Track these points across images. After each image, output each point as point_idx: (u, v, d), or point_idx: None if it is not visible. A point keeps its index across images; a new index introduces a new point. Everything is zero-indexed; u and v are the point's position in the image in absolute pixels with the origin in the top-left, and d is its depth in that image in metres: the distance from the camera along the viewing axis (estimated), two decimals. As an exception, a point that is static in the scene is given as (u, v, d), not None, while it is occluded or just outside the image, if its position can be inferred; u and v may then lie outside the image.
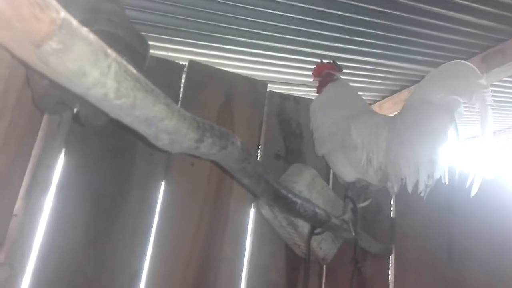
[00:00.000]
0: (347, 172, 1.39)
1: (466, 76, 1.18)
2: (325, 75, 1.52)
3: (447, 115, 1.19)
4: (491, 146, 1.12)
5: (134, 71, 0.48)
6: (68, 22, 0.38)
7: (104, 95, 0.45)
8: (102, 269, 1.18)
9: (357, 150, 1.31)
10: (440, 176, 1.20)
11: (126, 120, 0.52)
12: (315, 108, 1.50)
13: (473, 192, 1.14)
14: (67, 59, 0.38)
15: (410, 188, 1.20)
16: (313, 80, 1.57)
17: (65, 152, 1.20)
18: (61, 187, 1.17)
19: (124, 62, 0.46)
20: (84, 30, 0.40)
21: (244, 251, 1.37)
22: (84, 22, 0.43)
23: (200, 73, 1.44)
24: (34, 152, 1.14)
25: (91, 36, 0.41)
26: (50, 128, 1.18)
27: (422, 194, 1.19)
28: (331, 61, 1.55)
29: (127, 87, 0.46)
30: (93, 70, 0.41)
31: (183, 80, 1.41)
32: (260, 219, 1.40)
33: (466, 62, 1.22)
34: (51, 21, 0.36)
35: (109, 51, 0.44)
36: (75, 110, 0.76)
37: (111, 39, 0.46)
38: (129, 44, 0.74)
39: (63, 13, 0.38)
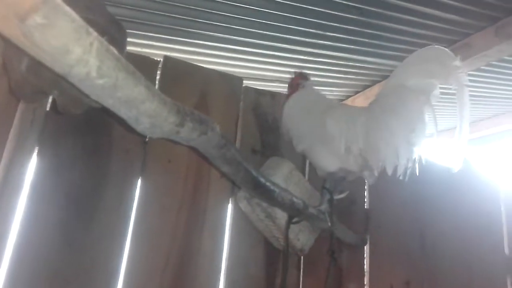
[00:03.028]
0: (329, 163, 1.39)
1: (440, 59, 1.22)
2: (296, 85, 1.51)
3: (423, 97, 1.23)
4: (468, 128, 1.17)
5: (115, 51, 0.49)
6: (52, -2, 0.39)
7: (86, 74, 0.45)
8: (79, 267, 1.15)
9: (335, 141, 1.33)
10: (414, 167, 1.23)
11: (108, 102, 0.53)
12: (287, 112, 1.49)
13: (457, 169, 1.20)
14: (51, 35, 0.39)
15: (389, 171, 1.23)
16: (288, 93, 1.54)
17: (38, 151, 1.18)
18: (35, 186, 1.15)
19: (105, 42, 0.47)
20: (67, 8, 0.41)
21: (223, 246, 1.37)
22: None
23: (175, 69, 1.44)
24: (6, 151, 1.11)
25: (74, 13, 0.42)
26: (22, 127, 1.15)
27: (401, 177, 1.22)
28: (300, 72, 1.55)
29: (109, 67, 0.47)
30: (76, 47, 0.42)
31: (158, 76, 1.41)
32: (238, 214, 1.41)
33: (439, 46, 1.26)
34: (35, -5, 0.37)
35: (91, 29, 0.44)
36: (52, 98, 0.75)
37: (89, 25, 0.46)
38: (107, 30, 0.74)
39: (46, -12, 0.38)
